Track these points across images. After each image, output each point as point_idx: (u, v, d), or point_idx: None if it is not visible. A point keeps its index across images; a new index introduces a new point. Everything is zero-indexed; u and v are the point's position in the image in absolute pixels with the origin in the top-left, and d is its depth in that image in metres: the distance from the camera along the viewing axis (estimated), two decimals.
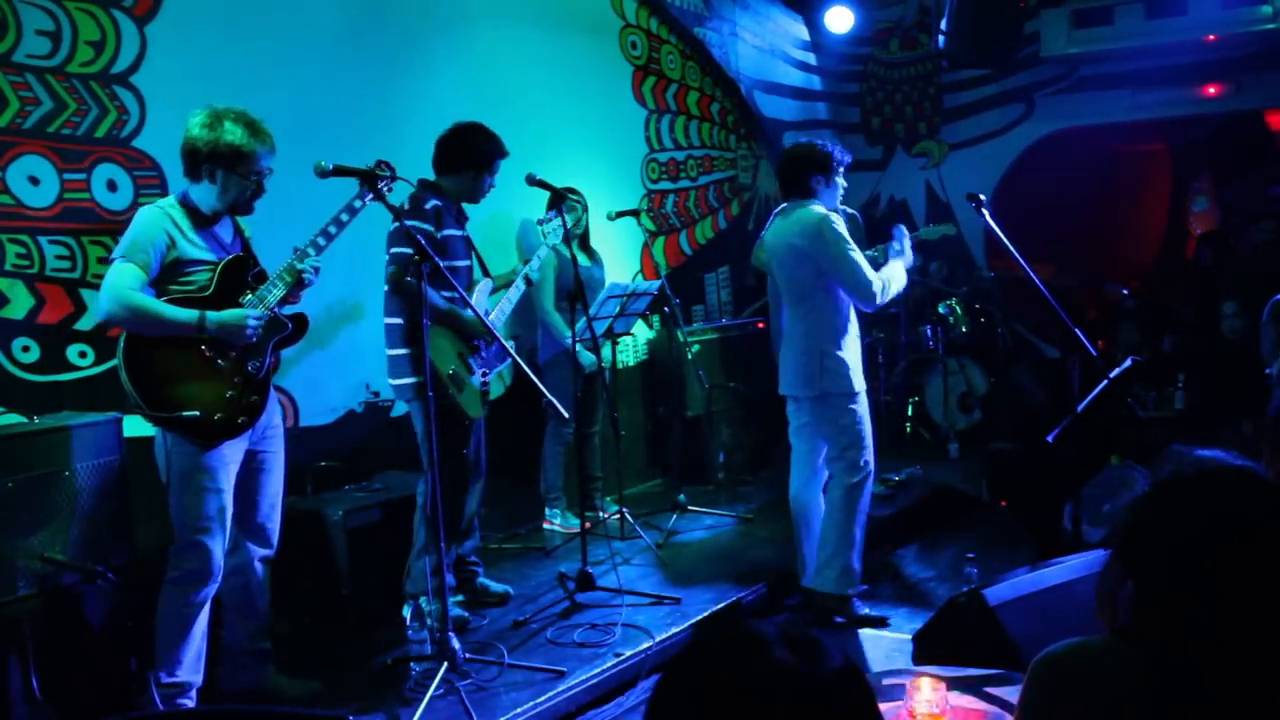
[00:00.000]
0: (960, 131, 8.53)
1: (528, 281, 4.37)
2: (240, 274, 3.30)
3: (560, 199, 4.57)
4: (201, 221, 3.27)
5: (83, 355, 3.89)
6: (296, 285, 3.35)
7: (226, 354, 3.20)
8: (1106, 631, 1.51)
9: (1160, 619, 1.42)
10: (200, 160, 3.21)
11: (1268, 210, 8.53)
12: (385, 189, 3.43)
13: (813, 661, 1.07)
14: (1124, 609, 1.45)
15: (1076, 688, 1.44)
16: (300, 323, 3.42)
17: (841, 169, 4.37)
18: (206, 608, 3.27)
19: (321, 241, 3.38)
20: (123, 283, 3.07)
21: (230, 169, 3.21)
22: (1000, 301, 7.90)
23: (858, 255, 4.13)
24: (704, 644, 1.11)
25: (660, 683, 1.10)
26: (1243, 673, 1.37)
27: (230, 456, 3.26)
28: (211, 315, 3.14)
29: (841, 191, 4.42)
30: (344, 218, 3.43)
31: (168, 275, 3.17)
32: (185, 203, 3.26)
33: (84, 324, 3.89)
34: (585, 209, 5.49)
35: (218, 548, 3.24)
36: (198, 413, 3.11)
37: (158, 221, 3.17)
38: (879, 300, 4.15)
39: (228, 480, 3.25)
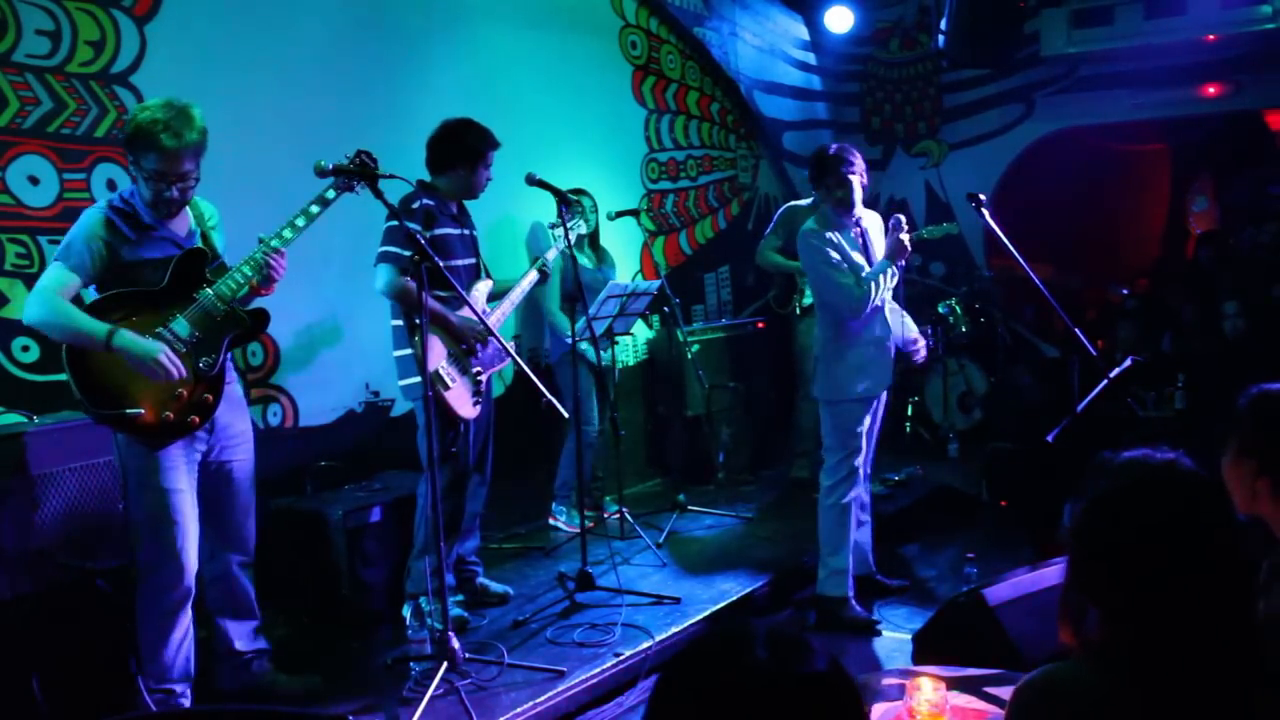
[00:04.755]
0: (960, 131, 8.53)
1: (543, 273, 4.37)
2: (197, 268, 3.15)
3: (563, 199, 4.56)
4: (142, 222, 3.12)
5: None
6: (265, 280, 3.19)
7: (175, 350, 3.04)
8: (1072, 647, 1.50)
9: (1127, 639, 1.41)
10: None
11: (1268, 210, 8.54)
12: (355, 184, 3.30)
13: (790, 662, 1.08)
14: (1091, 630, 1.45)
15: (1058, 715, 1.43)
16: (260, 318, 3.27)
17: (845, 172, 4.09)
18: (186, 610, 3.19)
19: (288, 234, 3.22)
20: (50, 285, 2.97)
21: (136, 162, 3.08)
22: (1000, 301, 7.90)
23: (831, 268, 4.09)
24: (695, 642, 1.15)
25: (658, 679, 1.15)
26: (1217, 681, 1.36)
27: (187, 455, 3.15)
28: (121, 336, 2.94)
29: (854, 194, 4.10)
30: (314, 209, 3.27)
31: (115, 278, 3.06)
32: (129, 200, 3.13)
33: None
34: (595, 209, 5.51)
35: (184, 552, 3.13)
36: (141, 410, 2.98)
37: (93, 222, 3.05)
38: (859, 306, 4.06)
39: (187, 480, 3.15)
